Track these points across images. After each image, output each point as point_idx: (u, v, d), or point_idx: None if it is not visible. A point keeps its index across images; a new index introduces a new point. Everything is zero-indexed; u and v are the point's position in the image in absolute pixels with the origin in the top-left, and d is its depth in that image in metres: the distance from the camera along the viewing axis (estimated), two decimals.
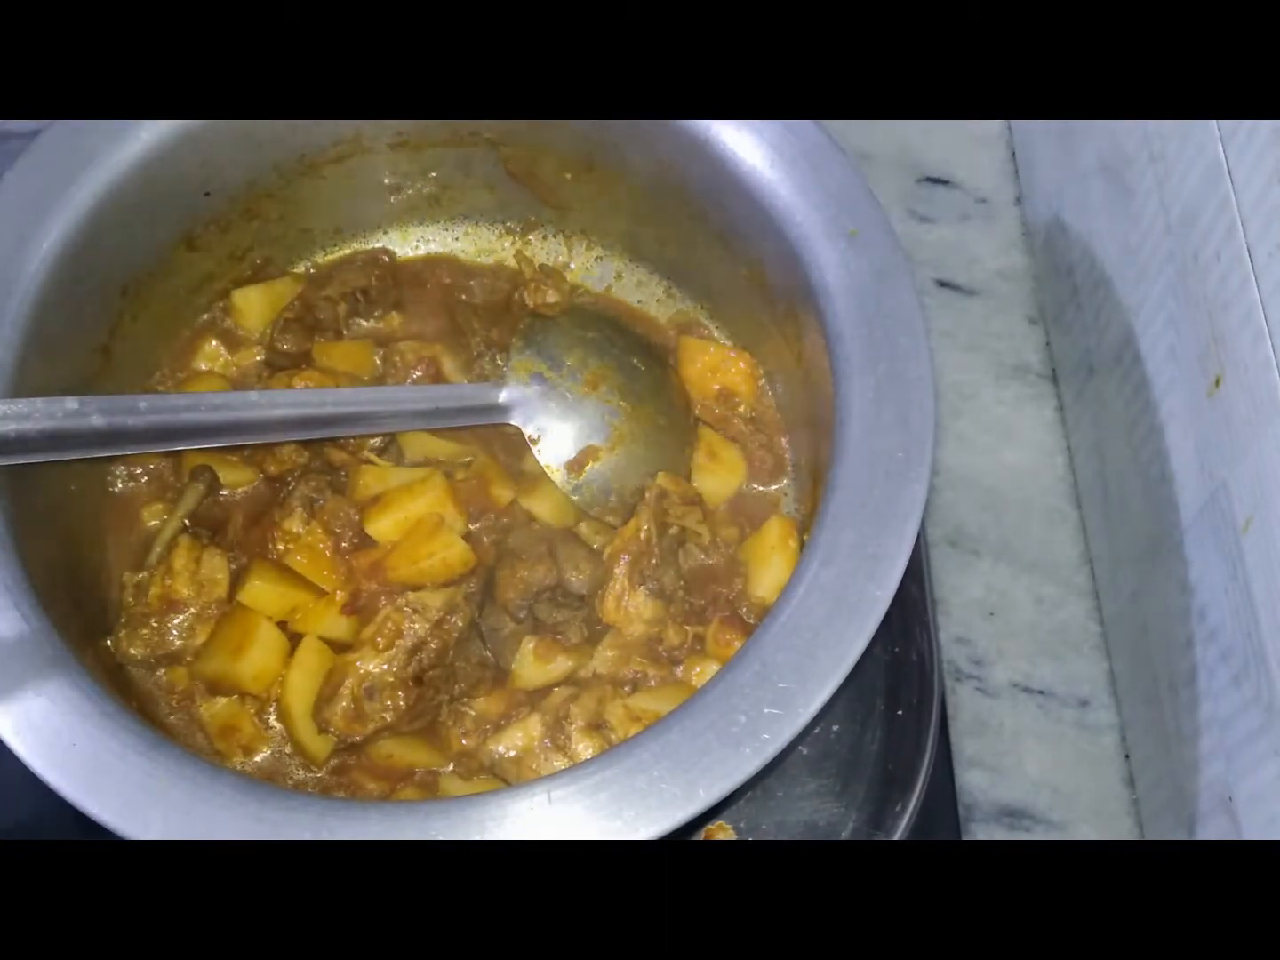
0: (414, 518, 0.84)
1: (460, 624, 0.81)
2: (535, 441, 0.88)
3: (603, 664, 0.82)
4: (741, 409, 0.92)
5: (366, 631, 0.81)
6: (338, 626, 0.82)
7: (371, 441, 0.88)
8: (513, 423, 0.88)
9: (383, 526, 0.84)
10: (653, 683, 0.82)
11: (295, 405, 0.80)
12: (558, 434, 0.88)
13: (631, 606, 0.82)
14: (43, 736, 0.65)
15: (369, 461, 0.87)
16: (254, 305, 0.93)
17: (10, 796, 0.79)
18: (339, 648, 0.82)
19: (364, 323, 0.95)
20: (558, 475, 0.87)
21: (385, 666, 0.79)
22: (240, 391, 0.88)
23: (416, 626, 0.80)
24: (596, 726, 0.78)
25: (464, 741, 0.81)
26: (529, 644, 0.82)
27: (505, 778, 0.79)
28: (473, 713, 0.81)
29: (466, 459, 0.88)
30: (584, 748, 0.78)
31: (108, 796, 0.64)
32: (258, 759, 0.80)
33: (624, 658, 0.82)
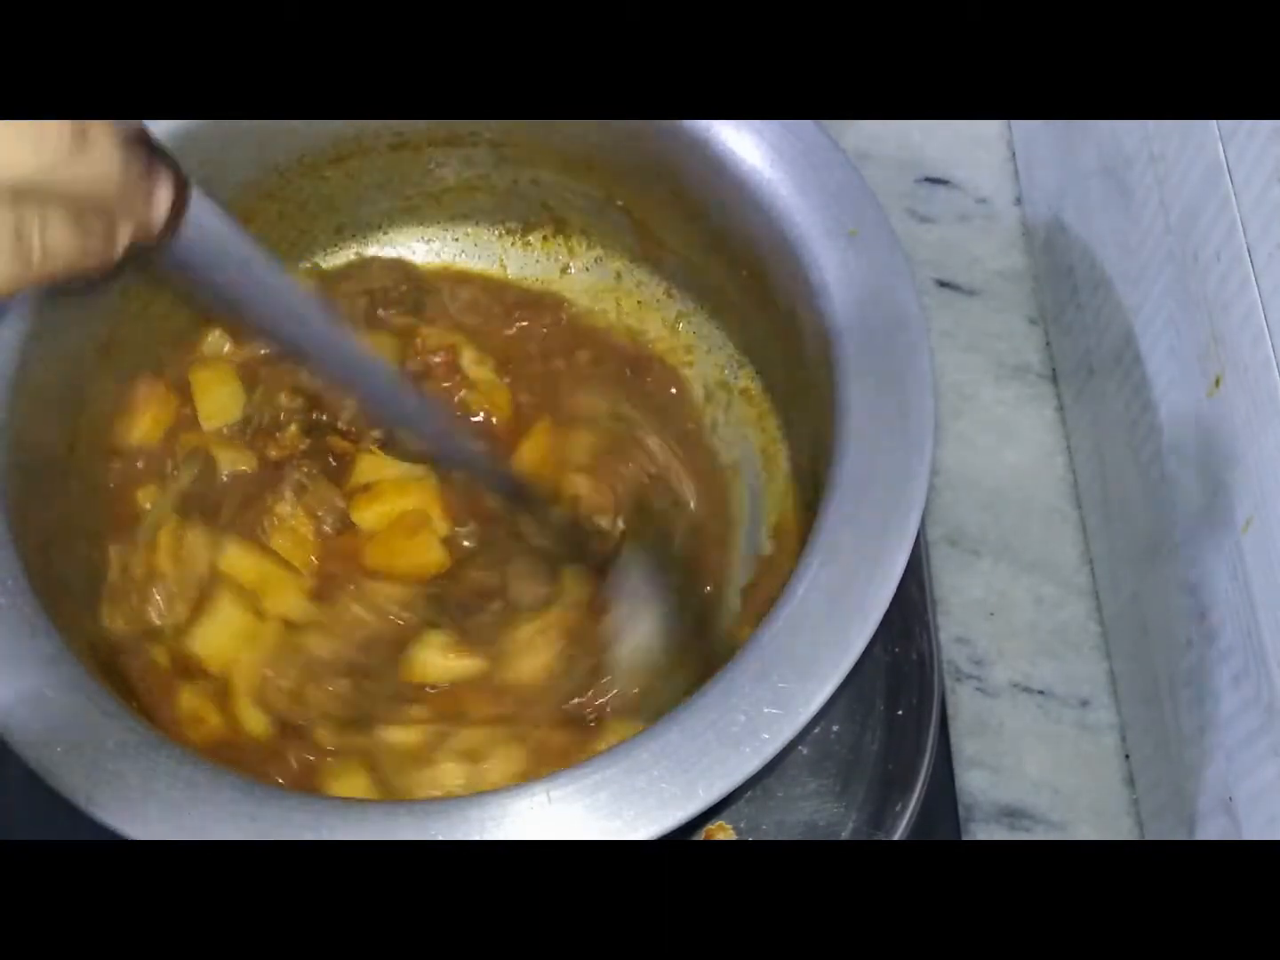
0: (398, 511, 0.84)
1: (415, 622, 0.82)
2: None
3: None
4: None
5: (323, 616, 0.81)
6: (299, 608, 0.82)
7: (374, 434, 0.88)
8: None
9: (367, 515, 0.84)
10: None
11: None
12: None
13: None
14: (42, 736, 0.65)
15: (370, 452, 0.88)
16: None
17: (10, 796, 0.79)
18: (296, 629, 0.82)
19: (383, 319, 0.95)
20: None
21: (336, 653, 0.80)
22: None
23: (371, 619, 0.80)
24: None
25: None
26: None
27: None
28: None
29: None
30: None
31: (108, 797, 0.64)
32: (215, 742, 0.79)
33: None
